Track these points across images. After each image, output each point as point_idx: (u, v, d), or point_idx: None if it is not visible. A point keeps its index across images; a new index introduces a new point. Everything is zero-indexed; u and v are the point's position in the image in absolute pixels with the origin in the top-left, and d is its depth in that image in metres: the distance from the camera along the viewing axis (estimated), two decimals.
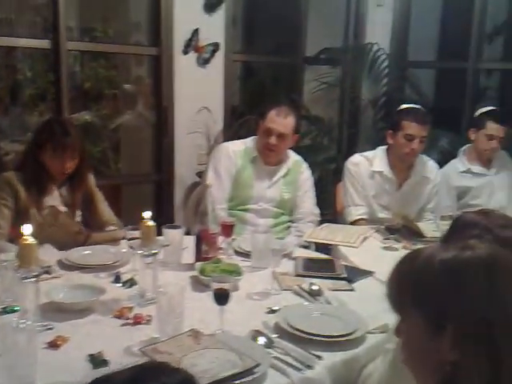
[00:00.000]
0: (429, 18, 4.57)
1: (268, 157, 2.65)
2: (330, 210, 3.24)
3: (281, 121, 2.56)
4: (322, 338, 1.44)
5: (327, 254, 2.36)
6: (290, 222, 2.74)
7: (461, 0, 4.27)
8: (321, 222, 2.75)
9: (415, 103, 3.01)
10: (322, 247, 2.48)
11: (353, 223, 2.78)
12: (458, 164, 3.04)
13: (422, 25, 4.44)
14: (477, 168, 3.01)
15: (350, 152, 3.17)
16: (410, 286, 0.93)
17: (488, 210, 1.45)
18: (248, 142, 2.71)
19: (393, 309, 0.97)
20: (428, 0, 4.39)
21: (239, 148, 2.69)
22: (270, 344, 1.42)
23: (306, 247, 2.50)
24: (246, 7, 4.49)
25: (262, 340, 1.43)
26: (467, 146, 3.06)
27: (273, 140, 2.56)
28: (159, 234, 1.98)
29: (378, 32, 4.14)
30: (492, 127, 2.90)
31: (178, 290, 1.44)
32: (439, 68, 4.74)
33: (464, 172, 3.01)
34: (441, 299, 0.89)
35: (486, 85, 4.62)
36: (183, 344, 1.34)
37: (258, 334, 1.46)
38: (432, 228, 2.43)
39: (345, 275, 1.95)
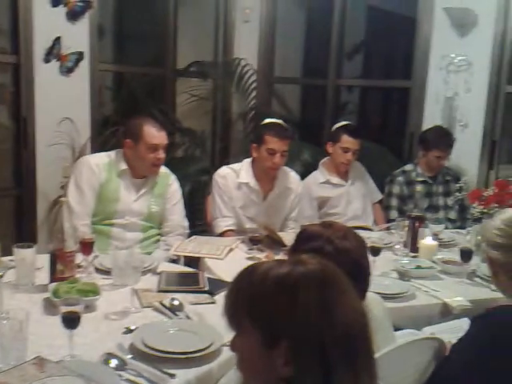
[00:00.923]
0: (293, 35, 4.80)
1: (156, 172, 2.62)
2: (202, 222, 3.27)
3: (161, 134, 2.56)
4: (177, 356, 1.43)
5: (197, 267, 2.37)
6: (159, 235, 2.71)
7: (321, 19, 4.53)
8: (193, 234, 2.75)
9: (282, 118, 3.14)
10: (192, 260, 2.49)
11: (221, 235, 2.82)
12: (318, 175, 3.21)
13: (288, 42, 4.64)
14: (335, 179, 3.20)
15: (223, 164, 3.22)
16: (246, 301, 0.93)
17: (331, 222, 1.54)
18: (112, 155, 2.64)
19: (228, 323, 0.96)
20: (292, 18, 4.59)
21: (103, 161, 2.60)
22: (122, 366, 1.38)
23: (175, 261, 2.49)
24: (115, 17, 4.38)
25: (114, 363, 1.39)
26: (326, 158, 3.24)
27: (161, 154, 2.56)
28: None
29: (246, 48, 4.24)
30: (347, 140, 3.09)
31: (22, 315, 1.35)
32: (303, 84, 4.96)
33: (323, 183, 3.18)
34: (275, 315, 0.89)
35: (347, 100, 4.94)
36: (26, 373, 1.26)
37: (110, 356, 1.42)
38: (293, 237, 2.53)
39: (207, 288, 1.96)
